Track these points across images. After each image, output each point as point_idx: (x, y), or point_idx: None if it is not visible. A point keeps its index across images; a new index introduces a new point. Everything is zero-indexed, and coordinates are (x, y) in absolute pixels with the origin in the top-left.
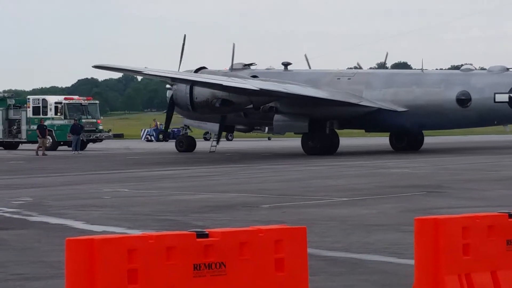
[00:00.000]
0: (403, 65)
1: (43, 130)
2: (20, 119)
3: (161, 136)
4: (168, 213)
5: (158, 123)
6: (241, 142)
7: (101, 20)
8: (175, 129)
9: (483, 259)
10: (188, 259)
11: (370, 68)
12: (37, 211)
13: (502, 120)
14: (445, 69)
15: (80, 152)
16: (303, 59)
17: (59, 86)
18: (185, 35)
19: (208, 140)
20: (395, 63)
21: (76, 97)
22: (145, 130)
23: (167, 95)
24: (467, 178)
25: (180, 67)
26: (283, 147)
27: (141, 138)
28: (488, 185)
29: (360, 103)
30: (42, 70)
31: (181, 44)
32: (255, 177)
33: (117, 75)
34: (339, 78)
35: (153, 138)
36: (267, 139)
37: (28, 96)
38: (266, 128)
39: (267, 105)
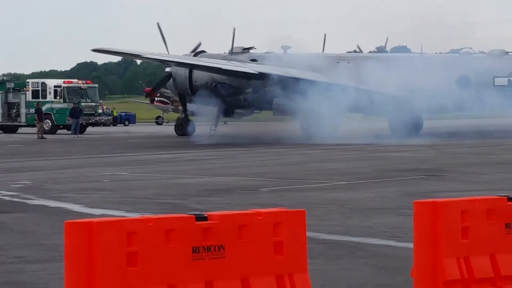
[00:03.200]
0: (403, 49)
1: (40, 113)
2: (19, 103)
3: None
4: (168, 196)
5: (105, 107)
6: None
7: (101, 3)
8: (123, 113)
9: (482, 243)
10: (187, 242)
11: (370, 52)
12: (36, 195)
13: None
14: (445, 53)
15: (79, 135)
16: (304, 43)
17: (59, 69)
18: (158, 23)
19: (160, 124)
20: (395, 47)
21: (75, 80)
22: None
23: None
24: (467, 161)
25: (169, 52)
26: (281, 131)
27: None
28: (488, 168)
29: (359, 87)
30: (41, 54)
31: (159, 32)
32: (254, 160)
33: (116, 58)
34: (338, 62)
35: None
36: (223, 123)
37: (27, 80)
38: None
39: (266, 89)
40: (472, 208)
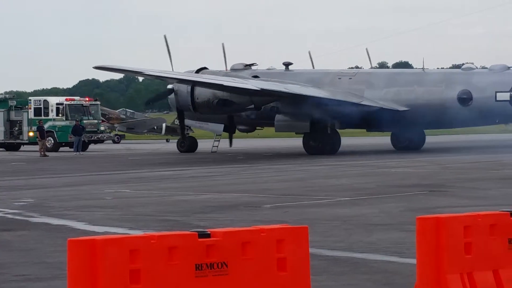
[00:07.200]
0: (404, 65)
1: (42, 131)
2: (21, 121)
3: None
4: (170, 213)
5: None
6: (155, 145)
7: (103, 19)
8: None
9: (485, 258)
10: (190, 259)
11: (371, 67)
12: (39, 212)
13: (504, 118)
14: (446, 68)
15: (81, 153)
16: (305, 58)
17: (61, 87)
18: (165, 35)
19: (118, 142)
20: (396, 63)
21: (77, 98)
22: None
23: (169, 97)
24: (469, 177)
25: (173, 67)
26: (284, 147)
27: None
28: (490, 184)
29: (361, 103)
30: (43, 71)
31: (165, 45)
32: (257, 177)
33: (118, 76)
34: (340, 78)
35: None
36: (165, 141)
37: (30, 97)
38: (163, 130)
39: (268, 105)
40: (475, 224)
